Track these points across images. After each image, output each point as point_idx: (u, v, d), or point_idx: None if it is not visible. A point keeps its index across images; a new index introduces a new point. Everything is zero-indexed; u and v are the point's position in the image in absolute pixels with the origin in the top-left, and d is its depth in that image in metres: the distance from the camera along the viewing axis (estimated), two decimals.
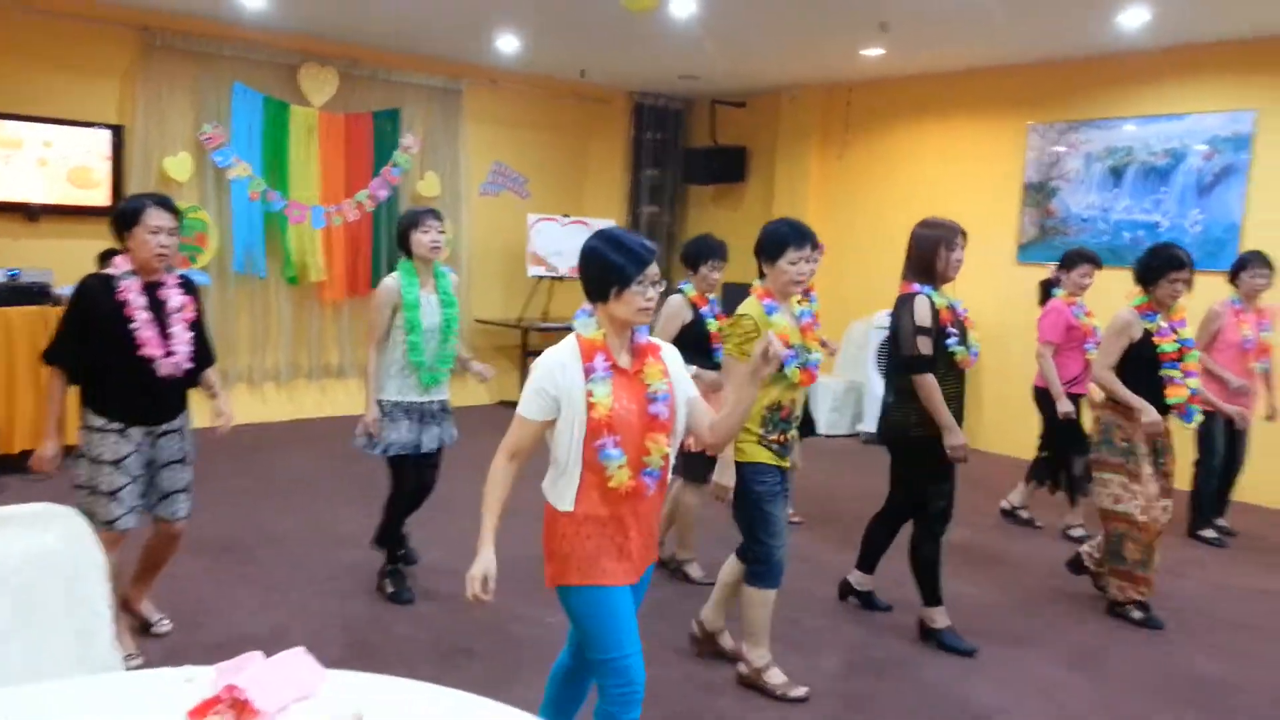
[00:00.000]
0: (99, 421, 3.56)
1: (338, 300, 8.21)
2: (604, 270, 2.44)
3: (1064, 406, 5.32)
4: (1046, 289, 5.88)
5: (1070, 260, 5.60)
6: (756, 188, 9.87)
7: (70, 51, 6.86)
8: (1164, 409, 4.33)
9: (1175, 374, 4.32)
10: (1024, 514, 6.01)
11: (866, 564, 4.48)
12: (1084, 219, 7.52)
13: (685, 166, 10.19)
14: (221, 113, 7.44)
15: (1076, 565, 4.87)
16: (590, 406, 2.41)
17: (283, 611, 4.19)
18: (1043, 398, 5.60)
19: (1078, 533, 5.67)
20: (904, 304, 3.95)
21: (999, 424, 7.87)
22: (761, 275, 3.60)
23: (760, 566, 3.55)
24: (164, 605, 4.00)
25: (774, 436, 3.48)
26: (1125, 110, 7.28)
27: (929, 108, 8.47)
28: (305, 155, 7.84)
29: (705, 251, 4.69)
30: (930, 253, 3.94)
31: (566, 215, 9.34)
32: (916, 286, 3.95)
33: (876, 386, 8.09)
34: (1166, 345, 4.34)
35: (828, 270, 8.85)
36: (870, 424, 8.24)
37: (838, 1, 6.09)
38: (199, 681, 1.75)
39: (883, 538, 4.40)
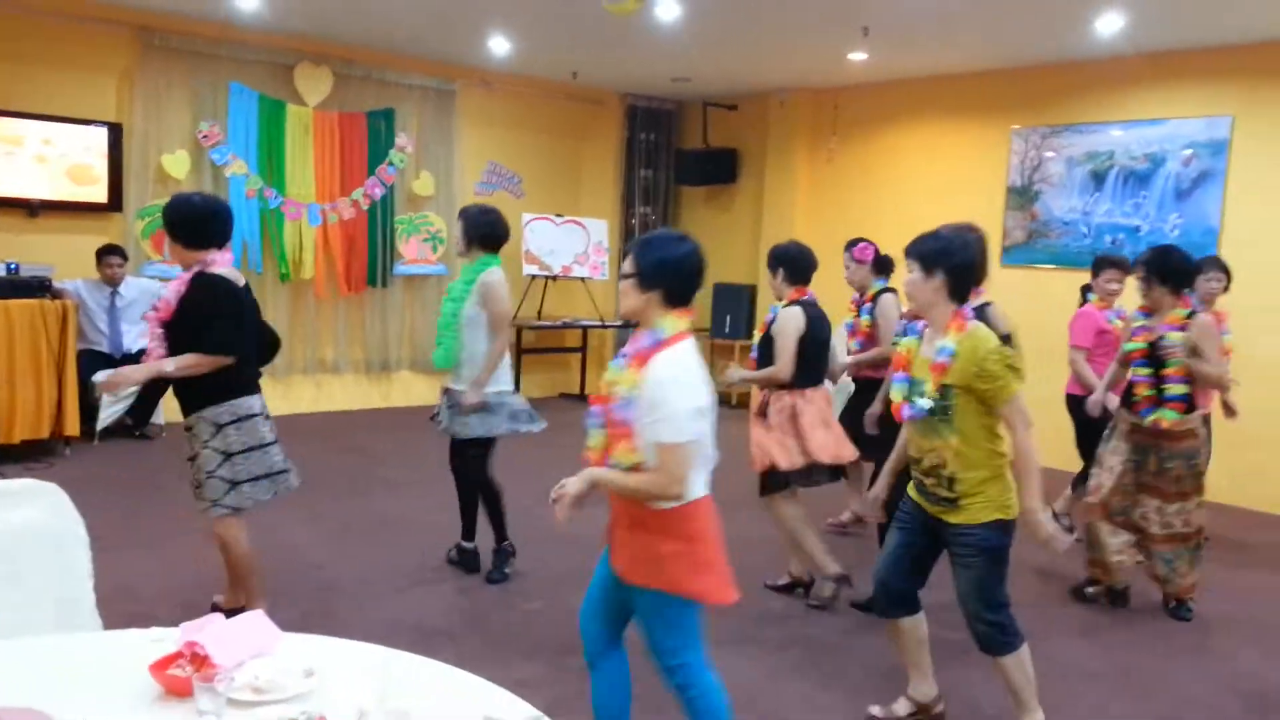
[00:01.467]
0: (243, 407, 3.60)
1: (333, 297, 8.35)
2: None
3: (1109, 402, 4.89)
4: (1084, 294, 5.72)
5: (1097, 266, 5.50)
6: (747, 189, 9.99)
7: (70, 51, 7.02)
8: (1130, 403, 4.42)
9: (1142, 371, 4.39)
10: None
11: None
12: (1066, 222, 7.64)
13: (677, 168, 10.33)
14: (218, 111, 7.59)
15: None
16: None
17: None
18: (1073, 404, 5.42)
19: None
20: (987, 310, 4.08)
21: None
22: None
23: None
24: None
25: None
26: (1106, 115, 7.40)
27: (915, 112, 8.59)
28: (301, 153, 7.99)
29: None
30: None
31: (560, 215, 9.47)
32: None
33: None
34: (1131, 344, 4.44)
35: (817, 273, 8.99)
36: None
37: (819, 6, 6.22)
38: (166, 642, 1.88)
39: None
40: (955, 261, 2.97)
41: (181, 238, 3.56)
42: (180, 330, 3.51)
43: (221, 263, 3.59)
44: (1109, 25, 6.22)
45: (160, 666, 1.75)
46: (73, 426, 6.38)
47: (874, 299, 5.14)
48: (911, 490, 3.19)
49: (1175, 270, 4.24)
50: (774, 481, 4.35)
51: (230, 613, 3.61)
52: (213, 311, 3.49)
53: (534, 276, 9.28)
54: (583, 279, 9.55)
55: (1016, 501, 2.97)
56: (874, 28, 6.56)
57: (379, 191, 8.40)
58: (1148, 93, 7.18)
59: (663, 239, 2.59)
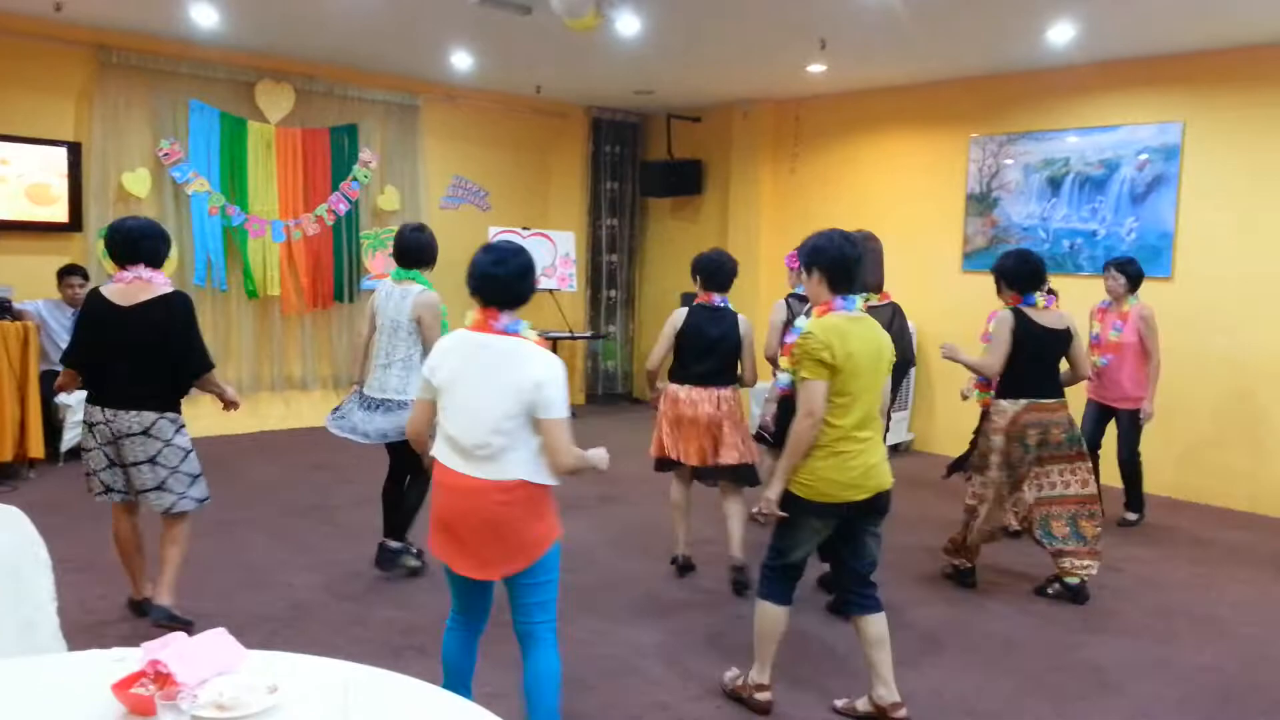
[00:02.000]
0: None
1: (299, 314, 8.32)
2: None
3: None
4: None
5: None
6: (713, 200, 10.07)
7: (27, 70, 6.96)
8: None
9: None
10: None
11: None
12: (1025, 228, 7.76)
13: (642, 180, 10.39)
14: (179, 129, 7.55)
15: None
16: None
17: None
18: None
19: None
20: (899, 309, 4.49)
21: (948, 427, 8.06)
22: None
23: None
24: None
25: None
26: (1061, 123, 7.54)
27: (875, 121, 8.70)
28: (263, 170, 7.96)
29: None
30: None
31: (527, 228, 9.49)
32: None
33: None
34: None
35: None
36: None
37: (776, 20, 6.30)
38: (128, 661, 1.88)
39: None
40: (826, 259, 3.32)
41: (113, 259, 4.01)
42: None
43: (115, 280, 3.95)
44: (1061, 35, 6.34)
45: (123, 686, 1.75)
46: (37, 448, 6.31)
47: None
48: None
49: (1010, 274, 4.69)
50: (660, 465, 4.92)
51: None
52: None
53: None
54: (551, 291, 9.56)
55: (815, 481, 3.28)
56: (831, 40, 6.65)
57: (343, 207, 8.38)
58: (1101, 100, 7.32)
59: None
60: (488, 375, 2.83)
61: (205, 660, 1.83)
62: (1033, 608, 4.70)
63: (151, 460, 3.91)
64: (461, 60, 7.82)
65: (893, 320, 4.33)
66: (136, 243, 3.90)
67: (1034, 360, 4.60)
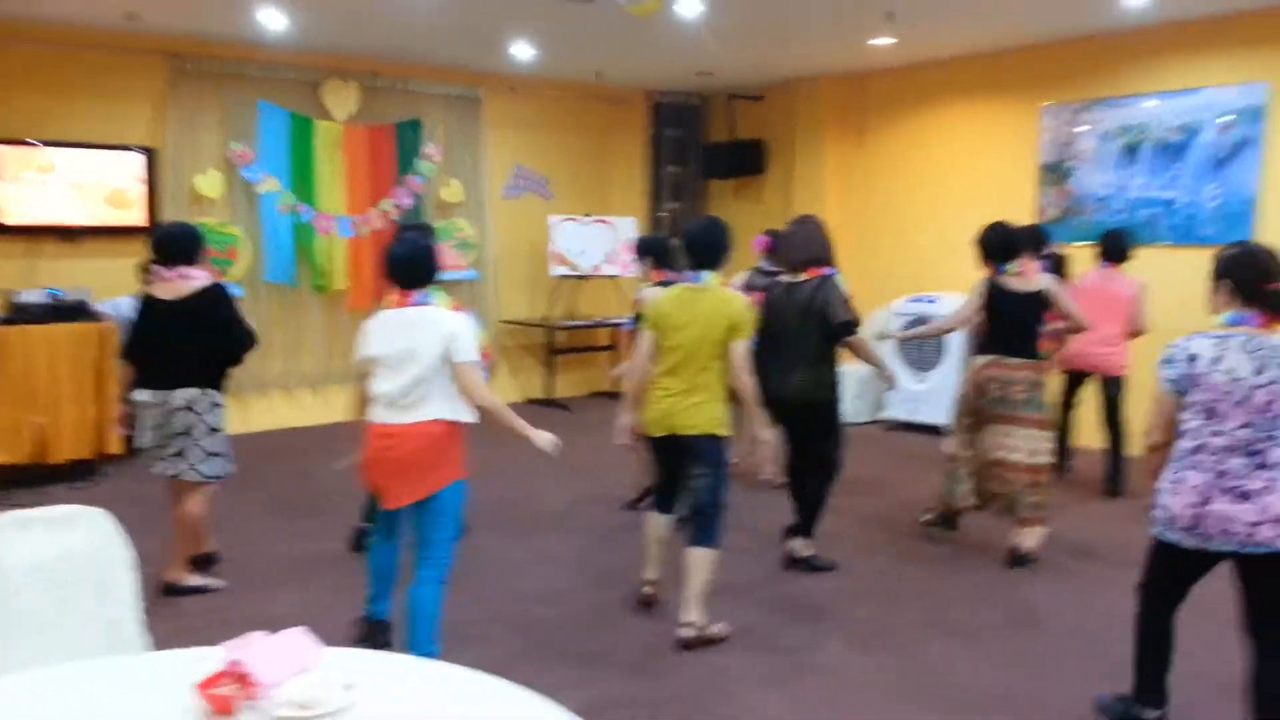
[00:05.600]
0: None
1: (366, 307, 8.44)
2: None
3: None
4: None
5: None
6: (776, 179, 9.94)
7: (103, 80, 7.17)
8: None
9: None
10: None
11: (809, 529, 4.94)
12: (1100, 198, 7.52)
13: (705, 162, 10.31)
14: (249, 131, 7.71)
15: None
16: None
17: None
18: None
19: None
20: (827, 282, 4.67)
21: None
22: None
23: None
24: None
25: None
26: (1137, 88, 7.27)
27: (942, 93, 8.50)
28: (331, 168, 8.09)
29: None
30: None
31: (588, 215, 9.49)
32: (829, 270, 4.72)
33: (899, 373, 8.14)
34: None
35: (850, 258, 8.94)
36: (896, 411, 8.31)
37: None
38: (209, 661, 1.92)
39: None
40: (698, 245, 4.12)
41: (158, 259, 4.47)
42: None
43: (164, 278, 4.39)
44: None
45: (206, 686, 1.79)
46: (115, 445, 6.51)
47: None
48: None
49: (986, 246, 5.05)
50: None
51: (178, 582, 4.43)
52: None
53: (563, 277, 9.31)
54: (613, 277, 9.56)
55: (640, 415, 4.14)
56: (898, 11, 6.50)
57: (408, 201, 8.48)
58: (1179, 63, 7.04)
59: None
60: (411, 337, 3.47)
61: (284, 660, 1.86)
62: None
63: (186, 432, 4.37)
64: (522, 50, 7.84)
65: (814, 295, 4.66)
66: (177, 244, 4.43)
67: (1002, 321, 4.95)
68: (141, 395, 4.38)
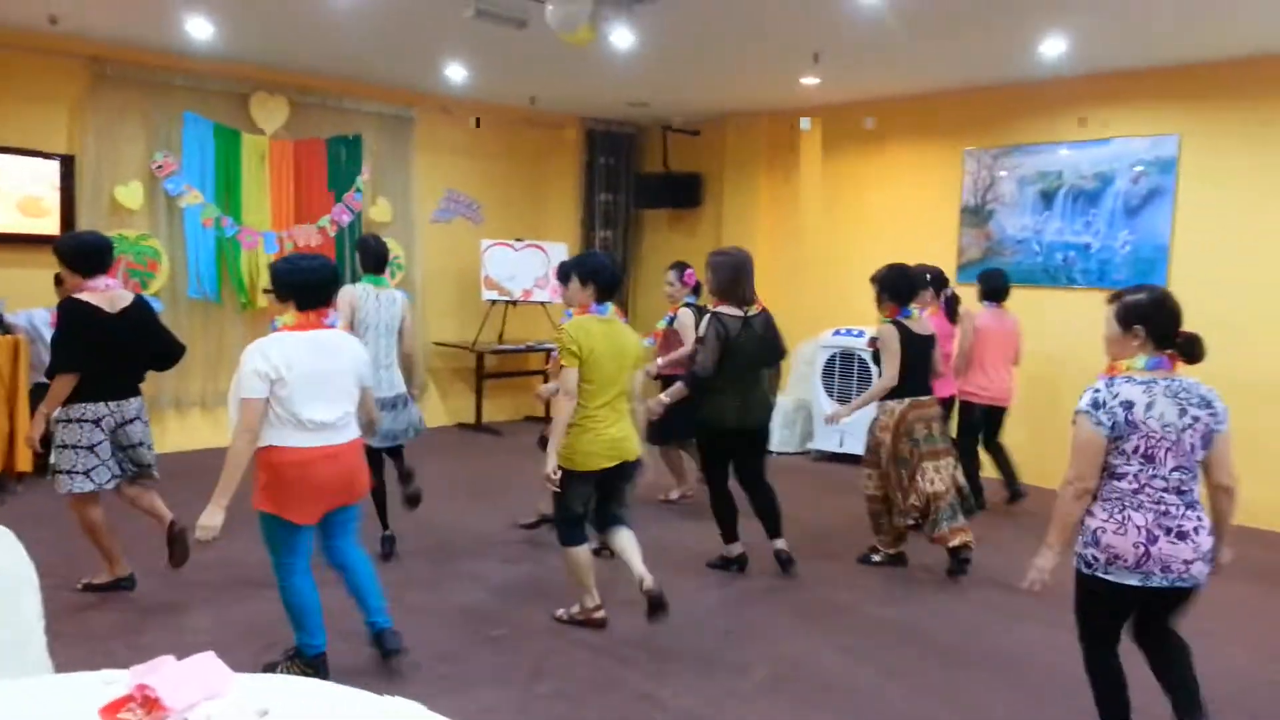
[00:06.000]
0: (76, 411, 4.48)
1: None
2: None
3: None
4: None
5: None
6: (710, 212, 10.06)
7: (20, 82, 6.94)
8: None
9: None
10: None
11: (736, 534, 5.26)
12: (1019, 240, 7.77)
13: (638, 192, 10.39)
14: (173, 141, 7.54)
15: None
16: None
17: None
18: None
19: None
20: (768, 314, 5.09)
21: None
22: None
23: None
24: None
25: None
26: (1055, 135, 7.55)
27: (870, 134, 8.71)
28: (257, 182, 7.95)
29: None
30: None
31: (520, 240, 9.48)
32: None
33: (824, 404, 8.26)
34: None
35: (779, 291, 9.07)
36: (820, 442, 8.42)
37: (770, 32, 6.30)
38: (116, 685, 1.85)
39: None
40: (604, 277, 4.25)
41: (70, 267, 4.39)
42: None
43: (93, 288, 4.37)
44: (1054, 48, 6.35)
45: (111, 710, 1.72)
46: (24, 461, 6.26)
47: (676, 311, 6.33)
48: None
49: (890, 286, 5.24)
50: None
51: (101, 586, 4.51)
52: (59, 329, 4.37)
53: (494, 301, 9.26)
54: (543, 303, 9.55)
55: (573, 454, 4.18)
56: (824, 53, 6.66)
57: (347, 218, 8.37)
58: (1095, 112, 7.33)
59: None
60: (334, 361, 3.61)
61: (194, 684, 1.80)
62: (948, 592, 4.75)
63: (141, 442, 4.56)
64: (456, 72, 7.82)
65: (767, 326, 5.11)
66: (104, 254, 4.43)
67: (913, 364, 5.16)
68: (97, 409, 4.39)
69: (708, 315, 5.06)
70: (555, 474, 4.13)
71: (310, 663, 3.68)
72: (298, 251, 8.15)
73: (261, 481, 3.56)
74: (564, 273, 5.14)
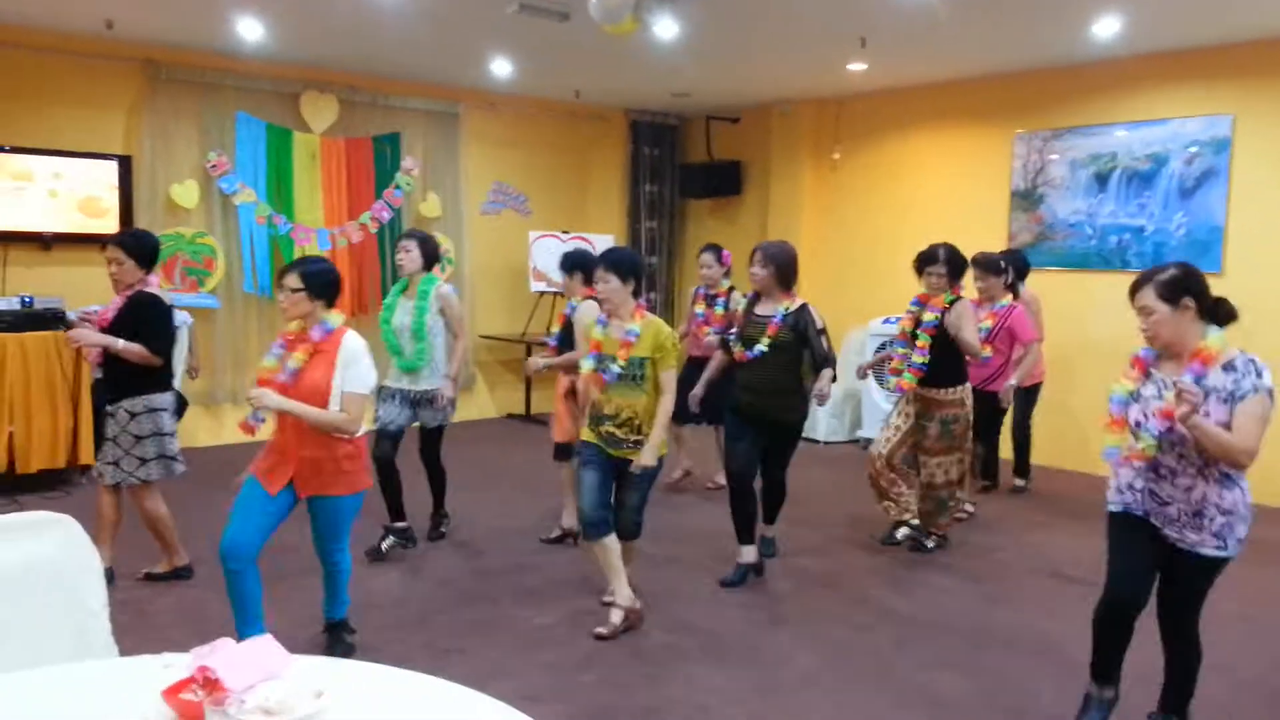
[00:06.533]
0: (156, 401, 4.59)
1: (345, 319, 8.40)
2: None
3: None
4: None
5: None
6: (753, 200, 10.03)
7: (79, 86, 7.13)
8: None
9: (899, 349, 5.38)
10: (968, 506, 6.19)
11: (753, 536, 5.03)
12: (1071, 224, 7.64)
13: (682, 181, 10.39)
14: (226, 141, 7.69)
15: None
16: None
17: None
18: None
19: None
20: (806, 310, 4.78)
21: None
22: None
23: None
24: None
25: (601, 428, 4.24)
26: (1108, 117, 7.41)
27: (917, 119, 8.62)
28: (308, 180, 8.08)
29: None
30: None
31: (566, 231, 9.53)
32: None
33: (874, 394, 8.21)
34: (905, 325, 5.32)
35: (825, 280, 9.01)
36: (869, 430, 8.37)
37: (815, 19, 6.26)
38: (177, 667, 1.91)
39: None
40: (637, 270, 4.20)
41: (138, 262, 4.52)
42: (122, 333, 4.39)
43: (153, 283, 4.56)
44: (1106, 28, 6.24)
45: (173, 692, 1.78)
46: (88, 455, 6.45)
47: (727, 294, 6.33)
48: (595, 437, 4.20)
49: (960, 267, 5.20)
50: (566, 450, 5.32)
51: (164, 575, 4.58)
52: (153, 319, 4.46)
53: (542, 293, 9.32)
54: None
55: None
56: (871, 38, 6.60)
57: (386, 215, 8.48)
58: (1148, 93, 7.18)
59: None
60: None
61: (252, 666, 1.86)
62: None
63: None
64: (501, 67, 7.88)
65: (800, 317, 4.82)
66: (159, 252, 4.67)
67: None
68: (168, 398, 4.60)
69: (808, 307, 4.80)
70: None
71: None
72: (334, 251, 8.29)
73: (356, 466, 3.82)
74: (567, 265, 5.23)
